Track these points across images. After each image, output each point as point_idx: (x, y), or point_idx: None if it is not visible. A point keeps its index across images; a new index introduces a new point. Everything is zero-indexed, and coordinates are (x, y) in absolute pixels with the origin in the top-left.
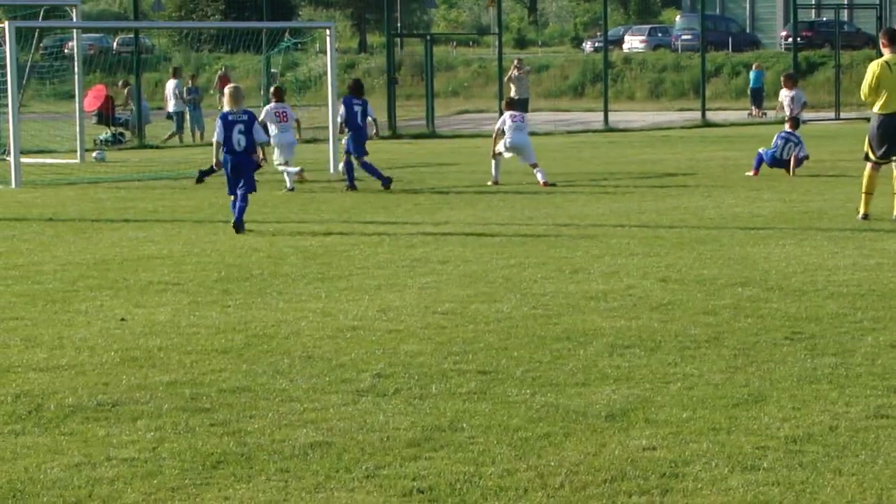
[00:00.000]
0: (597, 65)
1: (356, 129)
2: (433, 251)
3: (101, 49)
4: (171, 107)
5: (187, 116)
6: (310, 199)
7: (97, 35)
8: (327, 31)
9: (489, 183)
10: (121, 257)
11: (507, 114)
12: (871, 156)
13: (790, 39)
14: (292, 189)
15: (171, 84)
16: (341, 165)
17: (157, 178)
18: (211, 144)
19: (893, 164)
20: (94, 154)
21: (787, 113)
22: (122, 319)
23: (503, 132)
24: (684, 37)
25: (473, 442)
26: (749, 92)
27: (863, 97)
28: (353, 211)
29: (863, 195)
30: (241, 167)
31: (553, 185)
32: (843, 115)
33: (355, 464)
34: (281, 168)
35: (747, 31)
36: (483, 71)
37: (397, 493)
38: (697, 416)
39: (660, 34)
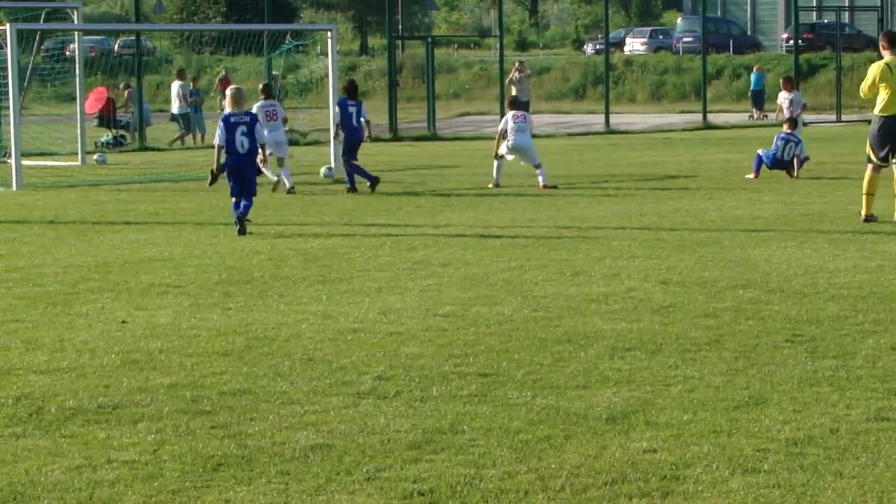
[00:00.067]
0: (598, 67)
1: (351, 131)
2: (434, 254)
3: (103, 51)
4: (175, 108)
5: (192, 117)
6: (311, 201)
7: (98, 37)
8: (328, 34)
9: (490, 185)
10: (122, 260)
11: (509, 114)
12: (873, 158)
13: (791, 42)
14: (292, 189)
15: (175, 85)
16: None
17: (158, 180)
18: (212, 147)
19: (894, 166)
20: (95, 156)
21: (787, 115)
22: (123, 322)
23: (506, 133)
24: (685, 39)
25: (474, 444)
26: (750, 94)
27: (862, 95)
28: (354, 213)
29: (864, 196)
30: (245, 169)
31: (554, 187)
32: (844, 117)
33: (356, 466)
34: (277, 170)
35: (748, 33)
36: (484, 73)
37: (398, 496)
38: (698, 418)
39: (661, 36)
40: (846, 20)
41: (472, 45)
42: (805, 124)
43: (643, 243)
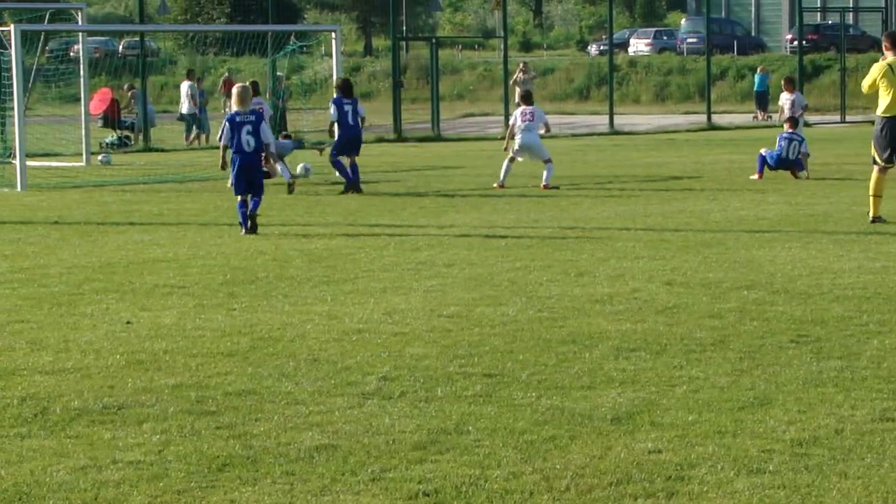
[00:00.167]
0: (602, 68)
1: (346, 129)
2: (438, 254)
3: (107, 52)
4: (184, 108)
5: (200, 117)
6: (315, 201)
7: (103, 38)
8: (333, 35)
9: (495, 185)
10: (126, 260)
11: (518, 112)
12: (878, 160)
13: (796, 42)
14: (292, 182)
15: (185, 86)
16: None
17: (163, 181)
18: (216, 147)
19: None
20: (99, 157)
21: (787, 115)
22: (128, 322)
23: (514, 132)
24: (690, 40)
25: (479, 445)
26: (754, 95)
27: (863, 91)
28: (358, 214)
29: (871, 198)
30: (252, 167)
31: (556, 188)
32: (848, 118)
33: (361, 467)
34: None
35: (753, 34)
36: (488, 74)
37: (403, 496)
38: (703, 419)
39: (665, 37)
40: (851, 21)
41: (476, 46)
42: (808, 125)
43: (647, 244)
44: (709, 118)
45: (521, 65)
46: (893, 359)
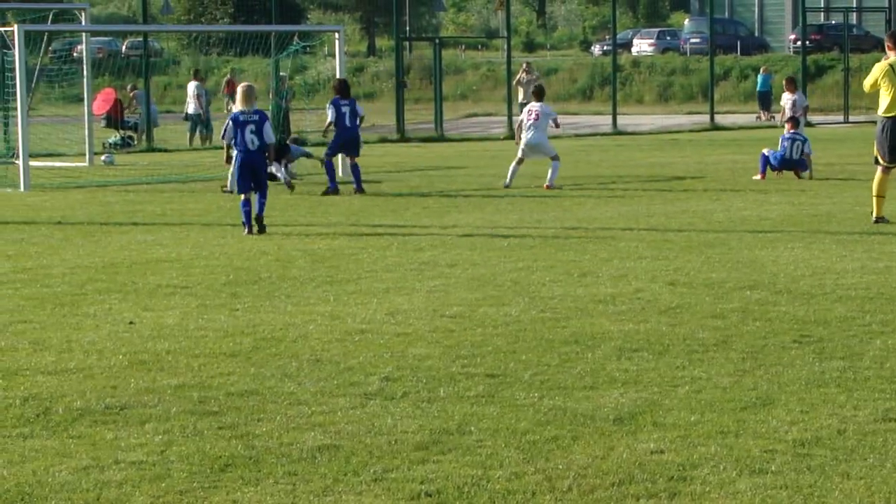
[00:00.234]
0: (605, 68)
1: (344, 130)
2: (441, 254)
3: (110, 52)
4: (191, 108)
5: (206, 117)
6: (317, 202)
7: (106, 38)
8: (336, 35)
9: (501, 184)
10: (129, 261)
11: (525, 110)
12: (881, 160)
13: (799, 43)
14: (290, 182)
15: (191, 86)
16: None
17: (166, 181)
18: (219, 148)
19: None
20: (102, 157)
21: (788, 115)
22: (131, 323)
23: (521, 130)
24: (693, 40)
25: (481, 445)
26: (757, 95)
27: (864, 90)
28: (360, 214)
29: (874, 198)
30: (256, 166)
31: (559, 188)
32: (851, 118)
33: (363, 467)
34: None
35: (756, 34)
36: (492, 74)
37: (405, 497)
38: (705, 419)
39: (668, 37)
40: (854, 21)
41: (479, 47)
42: (810, 125)
43: (650, 244)
44: (712, 118)
45: (525, 65)
46: None
